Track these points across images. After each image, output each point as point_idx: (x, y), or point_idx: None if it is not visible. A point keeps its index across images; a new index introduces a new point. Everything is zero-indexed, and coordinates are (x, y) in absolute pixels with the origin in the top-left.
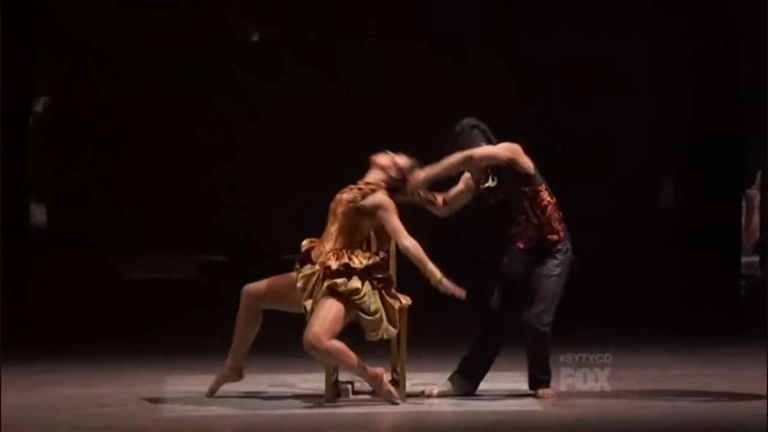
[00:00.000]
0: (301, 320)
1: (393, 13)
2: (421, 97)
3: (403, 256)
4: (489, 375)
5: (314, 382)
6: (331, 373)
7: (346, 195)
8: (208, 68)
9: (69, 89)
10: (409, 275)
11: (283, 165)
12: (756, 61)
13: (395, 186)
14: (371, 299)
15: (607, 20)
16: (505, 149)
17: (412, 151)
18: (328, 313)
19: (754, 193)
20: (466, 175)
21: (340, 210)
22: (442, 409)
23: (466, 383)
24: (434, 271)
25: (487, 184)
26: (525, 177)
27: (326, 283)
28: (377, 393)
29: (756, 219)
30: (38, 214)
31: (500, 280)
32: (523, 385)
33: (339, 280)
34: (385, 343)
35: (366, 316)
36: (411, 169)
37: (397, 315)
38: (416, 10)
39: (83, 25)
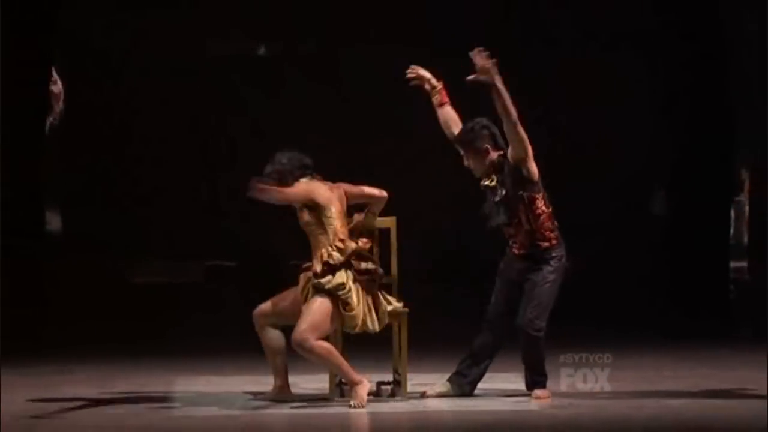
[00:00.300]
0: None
1: (392, 20)
2: (422, 103)
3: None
4: (487, 376)
5: (319, 382)
6: (335, 374)
7: None
8: (215, 78)
9: (81, 96)
10: (409, 279)
11: None
12: (745, 69)
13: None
14: (352, 293)
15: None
16: (527, 144)
17: (414, 154)
18: (315, 313)
19: (743, 201)
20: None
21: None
22: (441, 409)
23: (465, 384)
24: None
25: (486, 183)
26: (527, 181)
27: (311, 283)
28: (352, 397)
29: (744, 225)
30: (53, 219)
31: (497, 283)
32: (520, 386)
33: (323, 279)
34: (387, 345)
35: (345, 312)
36: None
37: (385, 309)
38: (416, 15)
39: (98, 35)
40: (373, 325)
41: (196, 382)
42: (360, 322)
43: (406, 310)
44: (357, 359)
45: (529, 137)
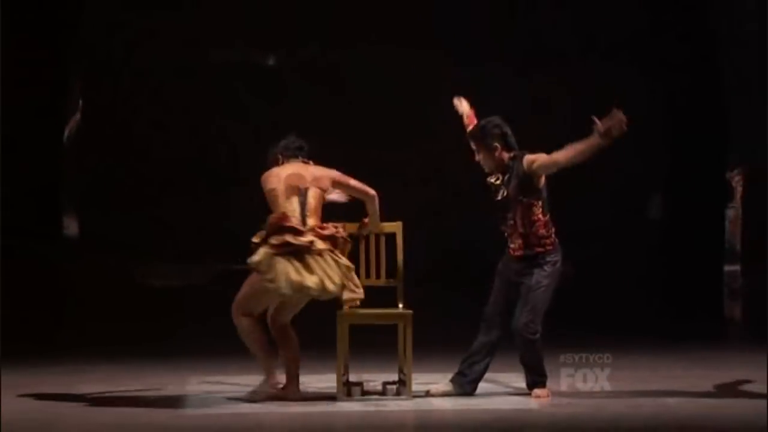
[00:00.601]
0: (312, 322)
1: (396, 24)
2: (424, 108)
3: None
4: (489, 376)
5: (326, 381)
6: (342, 373)
7: None
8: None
9: (96, 101)
10: (414, 281)
11: None
12: (739, 77)
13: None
14: (268, 265)
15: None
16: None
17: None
18: (243, 289)
19: (737, 206)
20: None
21: None
22: (444, 408)
23: (466, 383)
24: None
25: (492, 180)
26: (533, 189)
27: None
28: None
29: (738, 230)
30: (70, 223)
31: (496, 282)
32: (521, 385)
33: (249, 258)
34: (392, 347)
35: (268, 284)
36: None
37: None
38: (421, 19)
39: (111, 42)
40: (334, 286)
41: (207, 382)
42: (314, 285)
43: (411, 311)
44: (363, 359)
45: (529, 147)
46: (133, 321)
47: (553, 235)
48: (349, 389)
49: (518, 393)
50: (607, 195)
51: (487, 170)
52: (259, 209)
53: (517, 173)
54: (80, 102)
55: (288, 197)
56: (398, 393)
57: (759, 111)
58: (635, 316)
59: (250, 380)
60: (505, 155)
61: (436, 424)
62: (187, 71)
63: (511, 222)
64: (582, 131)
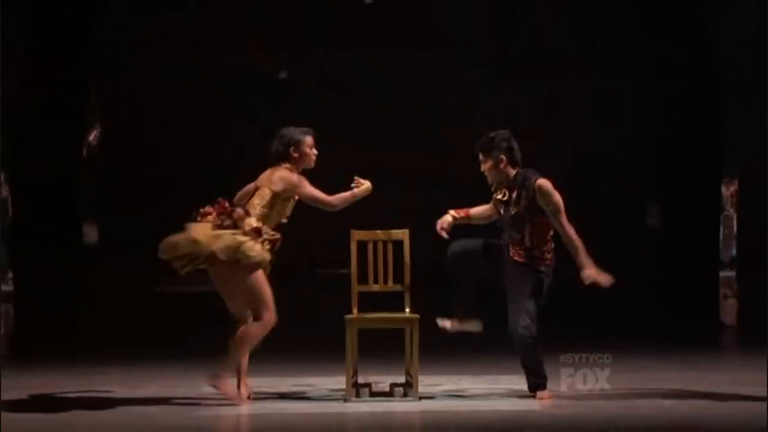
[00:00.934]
0: (322, 326)
1: (401, 28)
2: (432, 113)
3: (413, 269)
4: (492, 378)
5: (336, 383)
6: (351, 375)
7: None
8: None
9: (115, 109)
10: (420, 286)
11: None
12: (734, 86)
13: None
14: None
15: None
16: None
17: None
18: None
19: (732, 214)
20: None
21: None
22: (449, 409)
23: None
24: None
25: (498, 197)
26: (541, 210)
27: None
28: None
29: (733, 238)
30: (90, 231)
31: (489, 245)
32: (524, 387)
33: None
34: (399, 349)
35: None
36: None
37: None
38: (426, 23)
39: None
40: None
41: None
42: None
43: (417, 316)
44: (372, 362)
45: (529, 149)
46: (148, 324)
47: (553, 251)
48: (358, 390)
49: (521, 395)
50: (606, 201)
51: (490, 181)
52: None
53: (528, 194)
54: (98, 111)
55: (259, 202)
56: (405, 394)
57: (756, 117)
58: (633, 321)
59: (260, 382)
60: (510, 170)
61: (441, 425)
62: (200, 73)
63: (519, 237)
64: (580, 135)
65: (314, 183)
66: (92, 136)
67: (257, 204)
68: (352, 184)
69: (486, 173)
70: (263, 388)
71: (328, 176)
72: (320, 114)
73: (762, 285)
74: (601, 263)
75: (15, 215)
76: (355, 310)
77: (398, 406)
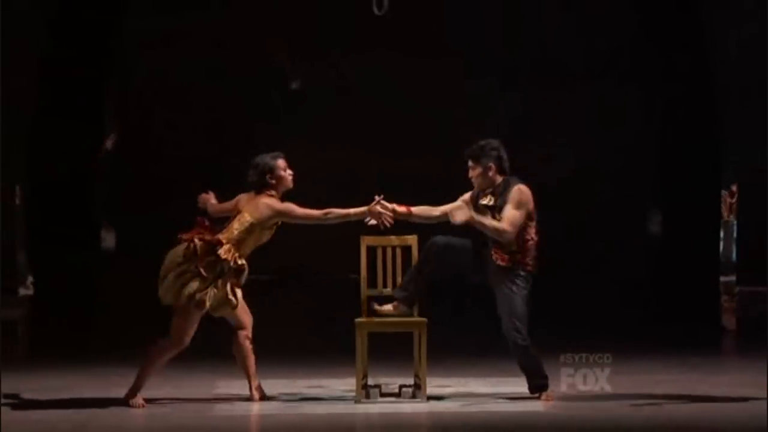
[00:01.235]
0: (334, 330)
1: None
2: (439, 118)
3: None
4: (495, 380)
5: (346, 385)
6: (361, 377)
7: None
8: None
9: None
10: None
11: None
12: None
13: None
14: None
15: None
16: (523, 213)
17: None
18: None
19: (732, 220)
20: (467, 196)
21: None
22: (456, 410)
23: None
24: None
25: (484, 202)
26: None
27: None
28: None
29: (733, 243)
30: (107, 235)
31: (476, 247)
32: (525, 388)
33: None
34: (408, 352)
35: None
36: None
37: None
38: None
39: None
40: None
41: (235, 386)
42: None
43: (425, 320)
44: (382, 365)
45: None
46: (162, 326)
47: (536, 258)
48: (368, 392)
49: (527, 396)
50: (608, 207)
51: (476, 188)
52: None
53: (507, 198)
54: (116, 114)
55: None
56: (414, 396)
57: (756, 122)
58: (634, 324)
59: (273, 384)
60: (498, 177)
61: (449, 425)
62: (219, 73)
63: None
64: (582, 142)
65: (327, 187)
66: (110, 140)
67: (236, 228)
68: (378, 197)
69: (474, 180)
70: (276, 389)
71: (336, 180)
72: (332, 118)
73: (761, 289)
74: (605, 269)
75: (33, 219)
76: (364, 314)
77: (407, 407)
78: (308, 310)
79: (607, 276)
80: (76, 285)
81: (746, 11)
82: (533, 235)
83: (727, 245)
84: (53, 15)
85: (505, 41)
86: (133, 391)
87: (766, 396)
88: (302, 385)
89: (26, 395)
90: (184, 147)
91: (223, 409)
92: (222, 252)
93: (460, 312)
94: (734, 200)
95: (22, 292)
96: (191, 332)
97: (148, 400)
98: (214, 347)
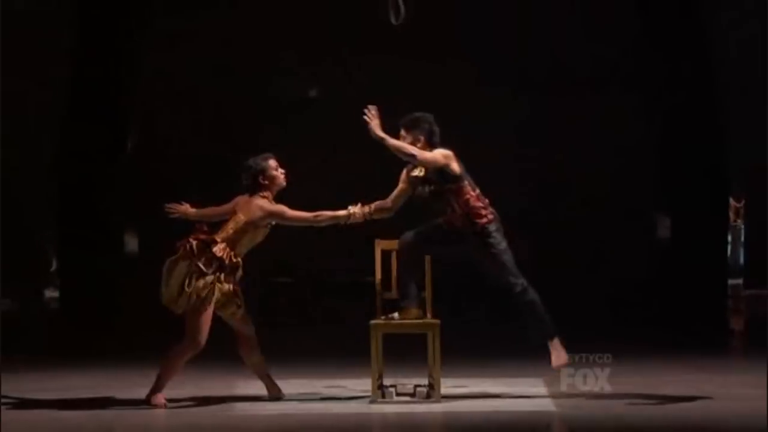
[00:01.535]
0: (349, 332)
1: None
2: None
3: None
4: (507, 381)
5: (363, 385)
6: (377, 377)
7: None
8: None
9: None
10: (440, 293)
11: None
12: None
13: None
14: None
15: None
16: (442, 156)
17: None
18: None
19: (739, 225)
20: (403, 175)
21: None
22: (470, 410)
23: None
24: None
25: (415, 173)
26: (451, 177)
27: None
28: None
29: (740, 247)
30: (130, 241)
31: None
32: (542, 389)
33: None
34: (423, 354)
35: None
36: None
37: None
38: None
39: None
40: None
41: (253, 386)
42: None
43: (438, 321)
44: (396, 365)
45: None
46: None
47: (488, 206)
48: (383, 392)
49: (540, 396)
50: (616, 211)
51: (408, 167)
52: (302, 231)
53: (432, 170)
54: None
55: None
56: (428, 396)
57: (762, 126)
58: (641, 326)
59: (290, 384)
60: (428, 149)
61: (462, 425)
62: (227, 72)
63: (449, 209)
64: (589, 147)
65: (334, 189)
66: (130, 144)
67: (230, 228)
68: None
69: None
70: (296, 390)
71: (344, 183)
72: (341, 122)
73: None
74: (614, 272)
75: (63, 223)
76: (379, 316)
77: (421, 407)
78: (325, 313)
79: (616, 279)
80: (101, 287)
81: (746, 11)
82: (470, 192)
83: (735, 249)
84: (68, 18)
85: (518, 49)
86: (154, 392)
87: (766, 395)
88: (319, 385)
89: (52, 395)
90: (199, 148)
91: (242, 408)
92: (217, 250)
93: (457, 313)
94: (741, 204)
95: (48, 294)
96: (205, 332)
97: (169, 400)
98: (233, 348)
